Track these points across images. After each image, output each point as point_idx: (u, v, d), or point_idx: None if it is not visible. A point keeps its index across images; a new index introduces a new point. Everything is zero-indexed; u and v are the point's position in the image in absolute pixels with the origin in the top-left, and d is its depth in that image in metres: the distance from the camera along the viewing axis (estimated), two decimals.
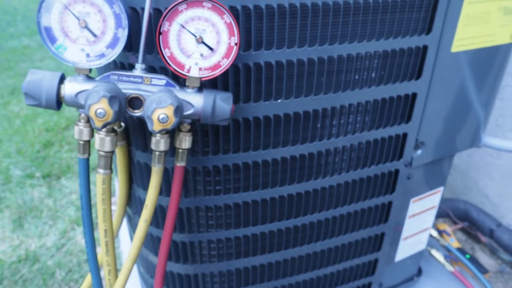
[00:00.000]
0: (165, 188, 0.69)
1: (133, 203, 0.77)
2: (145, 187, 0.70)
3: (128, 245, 1.09)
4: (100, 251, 0.65)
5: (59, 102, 0.52)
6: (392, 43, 0.68)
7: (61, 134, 2.20)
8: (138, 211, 0.76)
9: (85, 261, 1.40)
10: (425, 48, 0.71)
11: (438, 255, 1.17)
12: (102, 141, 0.54)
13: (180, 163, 0.59)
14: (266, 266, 0.84)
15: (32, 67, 3.21)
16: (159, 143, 0.56)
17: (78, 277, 1.33)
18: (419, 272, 1.16)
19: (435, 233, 1.20)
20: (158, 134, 0.55)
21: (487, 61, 0.80)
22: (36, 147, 2.06)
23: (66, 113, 2.42)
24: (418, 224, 0.99)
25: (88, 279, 0.76)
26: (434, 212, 1.01)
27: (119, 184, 0.73)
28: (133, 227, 0.84)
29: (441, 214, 1.33)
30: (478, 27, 0.73)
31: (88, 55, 0.51)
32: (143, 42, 0.52)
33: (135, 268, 1.13)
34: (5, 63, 3.35)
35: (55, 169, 1.90)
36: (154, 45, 0.55)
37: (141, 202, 0.73)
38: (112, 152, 0.56)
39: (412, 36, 0.69)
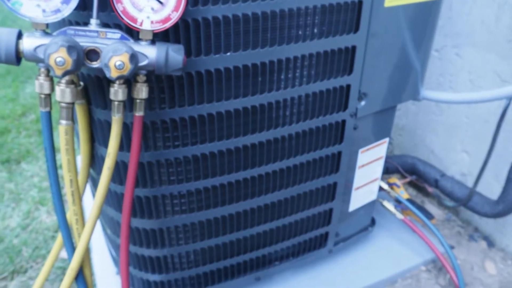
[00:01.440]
0: (126, 144, 0.73)
1: (96, 164, 0.81)
2: (107, 144, 0.74)
3: None
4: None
5: (18, 57, 0.55)
6: None
7: (17, 121, 2.17)
8: (101, 170, 0.80)
9: (51, 237, 1.41)
10: (360, 3, 0.77)
11: (389, 205, 1.27)
12: (63, 93, 0.58)
13: (139, 113, 0.63)
14: (227, 218, 0.89)
15: None
16: (117, 93, 0.60)
17: (45, 252, 1.35)
18: (373, 222, 1.25)
19: (386, 186, 1.28)
20: (116, 84, 0.59)
21: (420, 16, 0.87)
22: None
23: (22, 100, 2.38)
24: (368, 174, 1.07)
25: (59, 240, 0.79)
26: (381, 162, 1.09)
27: (81, 145, 0.76)
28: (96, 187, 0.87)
29: (392, 170, 1.42)
30: None
31: (44, 11, 0.54)
32: None
33: (102, 234, 1.16)
34: None
35: (14, 154, 1.88)
36: (107, 3, 0.59)
37: (104, 160, 0.77)
38: (73, 104, 0.60)
39: None
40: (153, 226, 0.85)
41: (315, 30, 0.76)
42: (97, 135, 0.74)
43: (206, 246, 0.92)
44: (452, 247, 1.30)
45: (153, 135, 0.73)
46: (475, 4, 1.18)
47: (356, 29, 0.79)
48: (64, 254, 1.33)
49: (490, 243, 1.31)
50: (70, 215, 0.68)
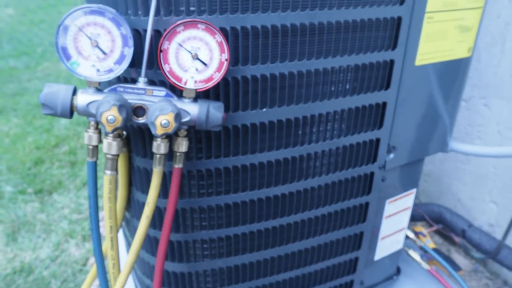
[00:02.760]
0: (162, 191, 0.76)
1: (132, 207, 0.84)
2: (144, 190, 0.77)
3: (123, 249, 1.15)
4: (105, 245, 0.72)
5: (71, 111, 0.60)
6: (362, 58, 0.77)
7: (51, 152, 2.25)
8: (136, 214, 0.83)
9: (79, 271, 1.45)
10: (391, 62, 0.80)
11: (415, 254, 1.26)
12: (110, 145, 0.61)
13: (178, 165, 0.66)
14: (255, 264, 0.91)
15: (20, 88, 3.26)
16: (160, 147, 0.63)
17: (73, 286, 1.38)
18: (398, 271, 1.24)
19: (411, 235, 1.28)
20: (159, 139, 0.62)
21: (448, 73, 0.89)
22: (27, 164, 2.11)
23: (56, 131, 2.48)
24: (394, 224, 1.08)
25: (91, 275, 0.82)
26: (408, 212, 1.10)
27: (119, 189, 0.80)
28: (130, 229, 0.90)
29: (418, 217, 1.42)
30: (438, 43, 0.83)
31: (98, 70, 0.59)
32: (145, 59, 0.60)
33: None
34: None
35: (47, 185, 1.94)
36: (153, 61, 0.63)
37: (140, 205, 0.80)
38: (118, 156, 0.64)
39: (380, 51, 0.78)
40: (182, 269, 0.87)
41: (347, 86, 0.79)
42: (135, 181, 0.78)
43: None
44: None
45: (189, 183, 0.76)
46: (504, 57, 1.20)
47: (387, 86, 0.82)
48: None
49: None
50: (108, 260, 0.70)
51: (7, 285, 1.38)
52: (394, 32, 0.78)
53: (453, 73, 0.90)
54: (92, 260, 1.49)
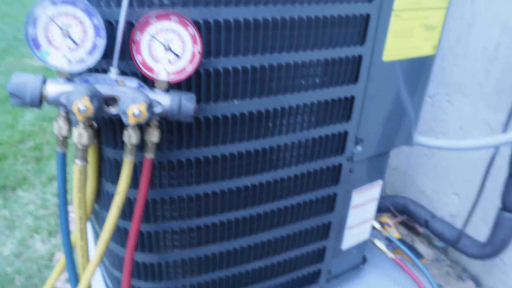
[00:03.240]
0: (132, 181, 0.76)
1: (101, 198, 0.84)
2: (114, 182, 0.77)
3: (91, 242, 1.14)
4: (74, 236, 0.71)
5: (41, 100, 0.59)
6: (332, 52, 0.79)
7: (15, 147, 2.19)
8: (106, 205, 0.82)
9: (44, 266, 1.42)
10: (360, 57, 0.82)
11: (380, 244, 1.30)
12: (80, 136, 0.61)
13: (149, 155, 0.66)
14: (225, 254, 0.92)
15: None
16: (131, 137, 0.63)
17: (38, 281, 1.35)
18: (364, 260, 1.28)
19: (377, 225, 1.32)
20: (130, 129, 0.63)
21: (414, 69, 0.93)
22: None
23: (20, 127, 2.41)
24: (361, 214, 1.11)
25: (58, 268, 0.81)
26: (375, 203, 1.13)
27: (89, 181, 0.79)
28: (99, 221, 0.90)
29: (384, 209, 1.46)
30: (404, 41, 0.86)
31: (69, 61, 0.58)
32: (118, 50, 0.60)
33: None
34: None
35: (11, 181, 1.89)
36: (125, 53, 0.63)
37: (110, 196, 0.79)
38: (88, 146, 0.63)
39: (349, 46, 0.80)
40: (152, 260, 0.87)
41: (317, 80, 0.81)
42: (105, 172, 0.78)
43: (202, 281, 0.94)
44: (440, 286, 1.33)
45: (159, 174, 0.76)
46: (466, 58, 1.25)
47: (356, 80, 0.84)
48: (58, 284, 1.33)
49: (478, 283, 1.35)
50: (77, 251, 0.70)
51: None
52: (362, 28, 0.80)
53: (418, 70, 0.94)
54: (58, 255, 1.46)
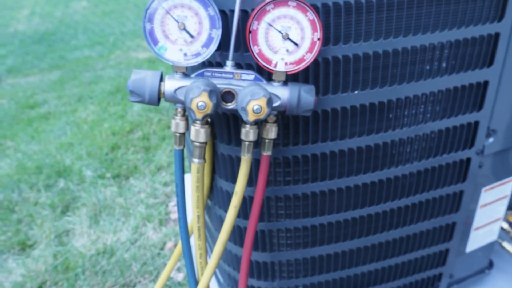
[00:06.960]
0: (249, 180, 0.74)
1: (214, 194, 0.83)
2: (228, 178, 0.75)
3: None
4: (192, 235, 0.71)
5: (159, 98, 0.58)
6: (463, 33, 0.69)
7: (126, 138, 2.32)
8: (218, 202, 0.81)
9: (157, 254, 1.48)
10: (497, 35, 0.72)
11: (509, 247, 1.16)
12: (198, 133, 0.59)
13: (267, 153, 0.63)
14: (340, 255, 0.87)
15: (95, 76, 3.40)
16: (248, 134, 0.60)
17: (152, 269, 1.41)
18: (490, 264, 1.15)
19: (505, 225, 1.18)
20: (248, 125, 0.60)
21: None
22: (104, 150, 2.19)
23: (129, 117, 2.55)
24: (490, 214, 0.99)
25: (173, 260, 0.82)
26: (506, 202, 1.00)
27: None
28: (211, 217, 0.89)
29: None
30: None
31: (185, 55, 0.56)
32: (233, 41, 0.57)
33: None
34: (70, 73, 3.56)
35: (124, 170, 2.01)
36: (240, 43, 0.60)
37: (223, 193, 0.78)
38: (206, 143, 0.62)
39: (484, 24, 0.70)
40: (265, 259, 0.84)
41: (444, 65, 0.72)
42: (219, 168, 0.76)
43: (315, 281, 0.90)
44: None
45: (274, 171, 0.73)
46: None
47: (491, 63, 0.74)
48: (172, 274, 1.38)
49: None
50: (196, 249, 0.69)
51: (92, 265, 1.44)
52: (501, 0, 0.69)
53: None
54: (169, 244, 1.52)
